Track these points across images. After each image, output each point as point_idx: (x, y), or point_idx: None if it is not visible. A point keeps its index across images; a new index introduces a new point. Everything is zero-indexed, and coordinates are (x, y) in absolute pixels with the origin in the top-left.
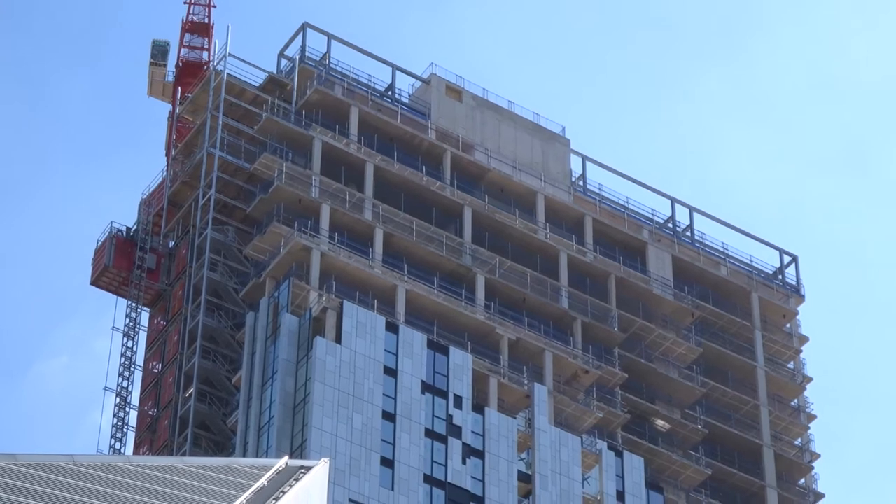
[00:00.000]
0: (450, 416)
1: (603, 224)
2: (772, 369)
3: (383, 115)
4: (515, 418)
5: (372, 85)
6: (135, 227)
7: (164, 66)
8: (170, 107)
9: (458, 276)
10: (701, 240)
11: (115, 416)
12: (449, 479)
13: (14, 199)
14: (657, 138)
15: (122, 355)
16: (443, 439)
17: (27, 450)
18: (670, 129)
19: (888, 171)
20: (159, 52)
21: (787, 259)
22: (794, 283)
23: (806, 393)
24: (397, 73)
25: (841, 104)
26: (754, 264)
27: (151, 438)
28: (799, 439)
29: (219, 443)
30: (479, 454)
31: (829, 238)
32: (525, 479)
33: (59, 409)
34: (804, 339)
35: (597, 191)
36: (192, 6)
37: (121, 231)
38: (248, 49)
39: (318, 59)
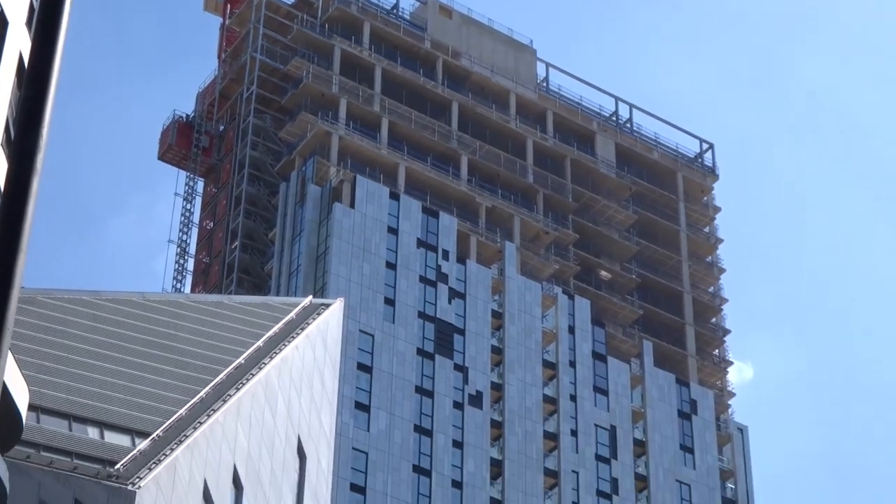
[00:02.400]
0: (439, 266)
1: (561, 117)
2: (691, 232)
3: (390, 29)
4: (490, 268)
5: (380, 4)
6: (193, 114)
7: None
8: (221, 20)
9: (447, 156)
10: (638, 130)
11: (176, 262)
12: (438, 316)
13: (99, 94)
14: (605, 49)
15: (181, 215)
16: (433, 284)
17: (107, 289)
18: (616, 42)
19: (786, 79)
20: None
21: (705, 146)
22: (710, 165)
23: (718, 251)
24: None
25: (750, 25)
26: (680, 150)
27: (205, 281)
28: (711, 287)
29: (257, 285)
30: (462, 296)
31: (739, 129)
32: (497, 316)
33: (131, 258)
34: (717, 210)
35: (557, 90)
36: None
37: (182, 117)
38: None
39: None
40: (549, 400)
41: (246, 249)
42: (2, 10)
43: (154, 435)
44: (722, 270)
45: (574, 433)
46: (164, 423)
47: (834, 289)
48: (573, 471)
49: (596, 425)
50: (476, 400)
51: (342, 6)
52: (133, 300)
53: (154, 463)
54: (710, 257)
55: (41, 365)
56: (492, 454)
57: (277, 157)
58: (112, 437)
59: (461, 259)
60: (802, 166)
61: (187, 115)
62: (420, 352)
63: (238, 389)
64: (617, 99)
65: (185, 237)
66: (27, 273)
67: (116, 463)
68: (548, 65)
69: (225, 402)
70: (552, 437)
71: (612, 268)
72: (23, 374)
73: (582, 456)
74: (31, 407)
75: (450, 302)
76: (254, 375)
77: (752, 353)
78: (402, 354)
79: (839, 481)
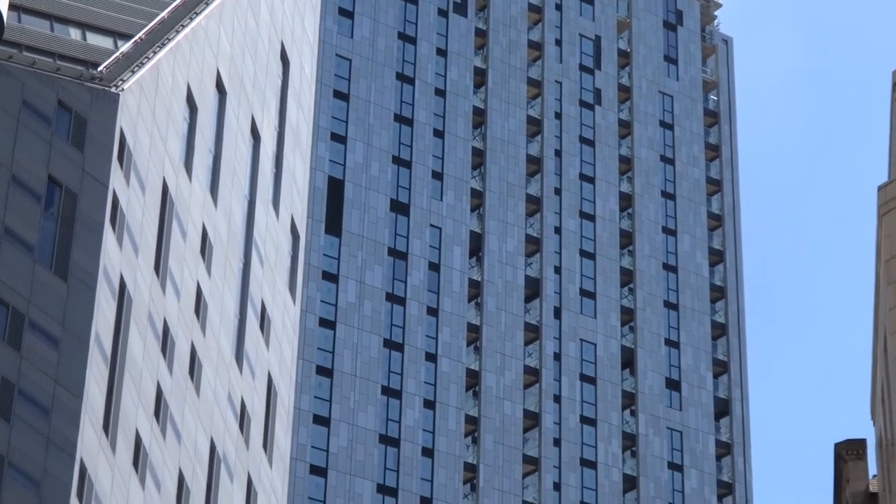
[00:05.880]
0: None
1: None
2: None
3: None
4: None
5: None
6: None
7: None
8: None
9: None
10: None
11: None
12: None
13: None
14: None
15: None
16: None
17: None
18: None
19: None
20: None
21: None
22: None
23: None
24: None
25: None
26: None
27: None
28: None
29: None
30: None
31: None
32: None
33: None
34: None
35: None
36: None
37: None
38: None
39: None
40: (533, 9)
41: None
42: None
43: (136, 37)
44: None
45: (558, 42)
46: (147, 25)
47: None
48: (556, 81)
49: (580, 35)
50: (461, 7)
51: None
52: None
53: (137, 66)
54: None
55: None
56: (475, 63)
57: None
58: (94, 39)
59: None
60: None
61: None
62: None
63: None
64: None
65: None
66: None
67: (99, 65)
68: None
69: (207, 4)
70: (536, 47)
71: None
72: None
73: (566, 66)
74: (12, 6)
75: None
76: None
77: None
78: None
79: (822, 95)
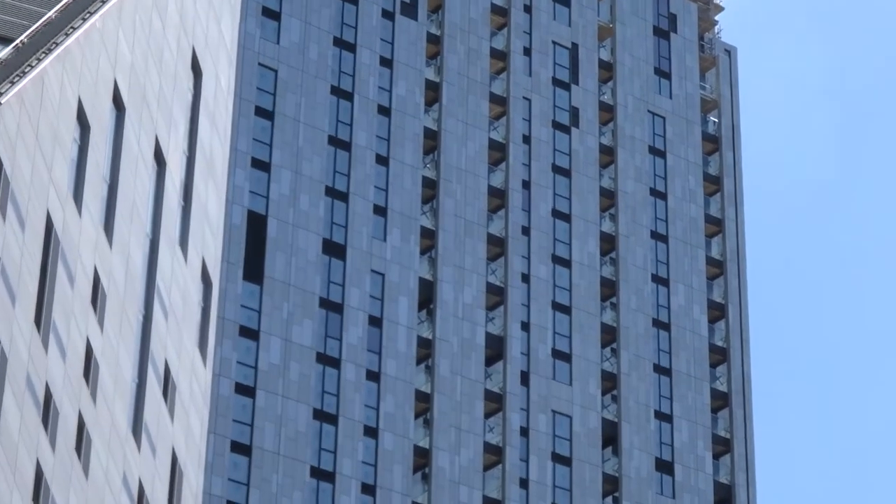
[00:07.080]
0: None
1: None
2: None
3: None
4: None
5: None
6: None
7: None
8: None
9: None
10: None
11: None
12: None
13: None
14: None
15: None
16: None
17: None
18: None
19: None
20: None
21: None
22: None
23: None
24: None
25: None
26: None
27: None
28: None
29: None
30: None
31: None
32: None
33: None
34: None
35: None
36: None
37: None
38: None
39: None
40: (498, 11)
41: None
42: None
43: (17, 41)
44: None
45: (527, 52)
46: (30, 27)
47: None
48: (525, 97)
49: (554, 43)
50: (409, 8)
51: None
52: None
53: (17, 76)
54: None
55: None
56: (427, 75)
57: None
58: None
59: None
60: None
61: None
62: None
63: None
64: None
65: None
66: None
67: None
68: None
69: (104, 3)
70: (501, 56)
71: None
72: None
73: (536, 79)
74: None
75: None
76: None
77: None
78: None
79: (844, 116)
